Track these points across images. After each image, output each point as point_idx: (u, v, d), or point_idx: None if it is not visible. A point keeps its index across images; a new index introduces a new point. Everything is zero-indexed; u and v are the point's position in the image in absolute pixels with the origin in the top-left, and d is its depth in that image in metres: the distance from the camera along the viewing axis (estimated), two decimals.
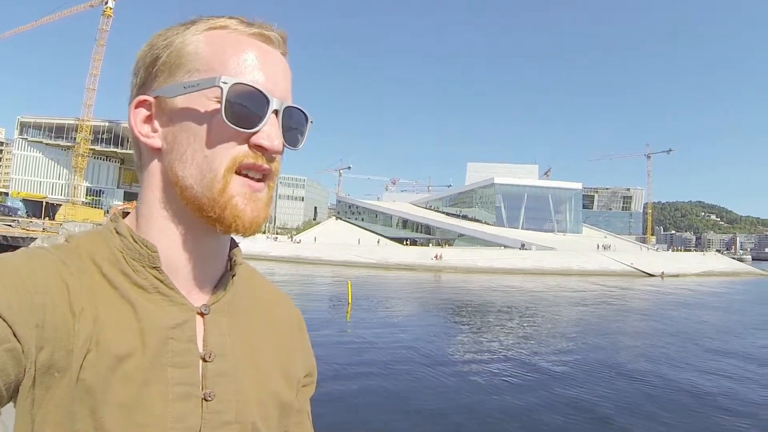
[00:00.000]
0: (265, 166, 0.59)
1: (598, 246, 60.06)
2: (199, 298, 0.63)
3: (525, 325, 16.35)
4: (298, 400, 0.74)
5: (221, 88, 0.56)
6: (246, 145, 0.58)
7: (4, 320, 0.48)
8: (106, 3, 69.05)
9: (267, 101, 0.58)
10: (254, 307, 0.71)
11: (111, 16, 69.15)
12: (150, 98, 0.60)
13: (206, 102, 0.57)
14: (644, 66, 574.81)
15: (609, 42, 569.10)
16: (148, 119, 0.61)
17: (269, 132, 0.58)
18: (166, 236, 0.60)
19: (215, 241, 0.64)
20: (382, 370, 9.64)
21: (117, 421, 0.53)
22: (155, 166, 0.61)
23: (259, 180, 0.60)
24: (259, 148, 0.58)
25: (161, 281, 0.60)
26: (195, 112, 0.58)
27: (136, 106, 0.61)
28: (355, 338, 12.84)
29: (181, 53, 0.59)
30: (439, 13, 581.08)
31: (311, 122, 0.64)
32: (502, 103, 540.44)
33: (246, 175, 0.58)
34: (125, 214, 0.65)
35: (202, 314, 0.62)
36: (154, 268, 0.59)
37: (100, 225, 0.63)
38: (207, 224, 0.59)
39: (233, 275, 0.67)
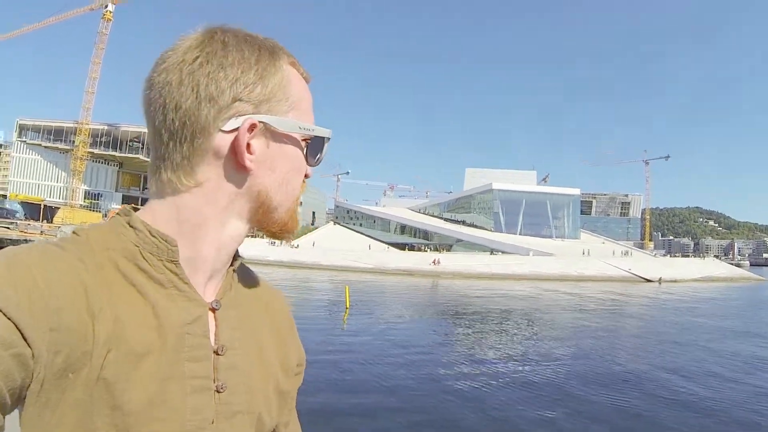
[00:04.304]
0: None
1: (588, 251, 59.84)
2: (209, 293, 0.65)
3: (521, 332, 16.28)
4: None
5: (323, 139, 0.68)
6: (305, 174, 0.69)
7: (13, 323, 0.46)
8: (106, 6, 69.30)
9: (326, 141, 0.68)
10: (254, 301, 0.73)
11: (111, 19, 69.43)
12: (258, 123, 0.62)
13: (298, 140, 0.65)
14: (642, 74, 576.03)
15: (609, 49, 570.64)
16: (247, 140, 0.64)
17: None
18: (194, 234, 0.62)
19: (231, 238, 0.65)
20: (377, 383, 9.21)
21: (138, 417, 0.53)
22: (227, 180, 0.62)
23: None
24: (305, 176, 0.69)
25: (177, 275, 0.60)
26: (293, 147, 0.65)
27: (249, 129, 0.61)
28: (350, 347, 12.45)
29: (281, 85, 0.63)
30: (439, 16, 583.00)
31: (328, 139, 0.70)
32: (501, 109, 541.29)
33: None
34: (135, 209, 0.65)
35: (213, 309, 0.64)
36: (172, 262, 0.60)
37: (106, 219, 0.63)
38: (267, 235, 0.69)
39: (234, 270, 0.70)
